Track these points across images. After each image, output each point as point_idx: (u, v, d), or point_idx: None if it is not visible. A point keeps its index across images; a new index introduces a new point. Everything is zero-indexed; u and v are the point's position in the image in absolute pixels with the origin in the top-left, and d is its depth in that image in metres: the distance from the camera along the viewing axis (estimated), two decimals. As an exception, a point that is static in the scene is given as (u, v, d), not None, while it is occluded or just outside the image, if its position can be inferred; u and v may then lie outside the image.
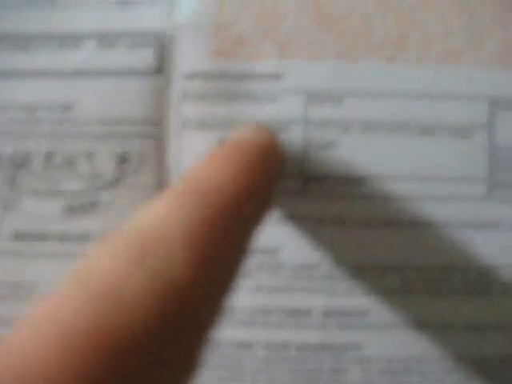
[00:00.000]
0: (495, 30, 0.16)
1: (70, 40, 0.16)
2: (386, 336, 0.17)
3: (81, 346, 0.08)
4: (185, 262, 0.10)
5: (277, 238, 0.16)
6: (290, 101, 0.16)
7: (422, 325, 0.17)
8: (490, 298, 0.17)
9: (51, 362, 0.08)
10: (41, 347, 0.08)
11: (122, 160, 0.16)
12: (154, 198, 0.11)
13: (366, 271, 0.16)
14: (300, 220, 0.16)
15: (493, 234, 0.16)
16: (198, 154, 0.16)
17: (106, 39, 0.16)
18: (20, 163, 0.16)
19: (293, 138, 0.16)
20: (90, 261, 0.10)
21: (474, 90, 0.16)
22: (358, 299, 0.17)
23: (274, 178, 0.15)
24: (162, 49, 0.16)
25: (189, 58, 0.16)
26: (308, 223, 0.16)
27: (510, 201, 0.16)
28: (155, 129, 0.16)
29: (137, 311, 0.09)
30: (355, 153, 0.16)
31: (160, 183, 0.16)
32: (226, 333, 0.17)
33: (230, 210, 0.11)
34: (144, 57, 0.16)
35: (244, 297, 0.16)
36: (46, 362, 0.08)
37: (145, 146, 0.16)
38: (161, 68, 0.16)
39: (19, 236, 0.16)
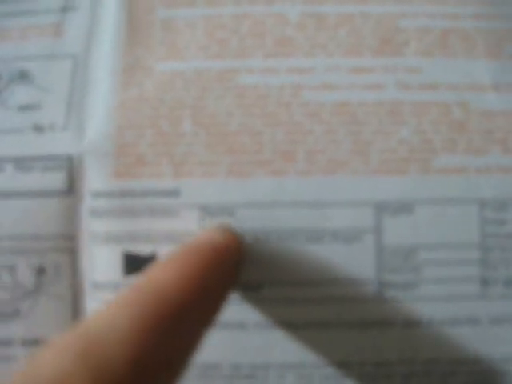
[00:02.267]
0: (378, 139, 0.18)
1: (-8, 165, 0.18)
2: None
3: None
4: (126, 359, 0.10)
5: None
6: (187, 215, 0.17)
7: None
8: None
9: None
10: None
11: (40, 272, 0.18)
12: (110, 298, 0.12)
13: (262, 371, 0.17)
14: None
15: (385, 331, 0.17)
16: (107, 266, 0.18)
17: (23, 163, 0.18)
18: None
19: (191, 248, 0.17)
20: (35, 361, 0.10)
21: (360, 196, 0.17)
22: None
23: (230, 277, 0.15)
24: (72, 171, 0.18)
25: (95, 178, 0.18)
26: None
27: (398, 300, 0.17)
28: (69, 243, 0.18)
29: None
30: (250, 260, 0.17)
31: (75, 291, 0.18)
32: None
33: (174, 310, 0.12)
34: (57, 179, 0.18)
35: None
36: None
37: (60, 258, 0.18)
38: (71, 188, 0.18)
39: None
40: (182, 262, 0.13)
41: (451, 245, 0.17)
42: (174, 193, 0.17)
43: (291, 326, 0.17)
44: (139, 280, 0.13)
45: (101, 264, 0.18)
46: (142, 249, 0.17)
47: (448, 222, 0.17)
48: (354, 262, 0.17)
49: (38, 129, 0.18)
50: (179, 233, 0.17)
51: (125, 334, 0.11)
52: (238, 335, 0.17)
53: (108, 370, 0.10)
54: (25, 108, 0.18)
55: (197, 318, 0.13)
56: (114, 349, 0.11)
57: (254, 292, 0.17)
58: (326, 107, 0.18)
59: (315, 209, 0.17)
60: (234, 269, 0.16)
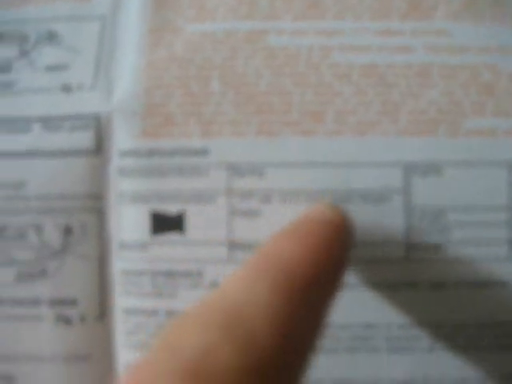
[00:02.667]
0: (407, 101, 0.17)
1: (20, 123, 0.18)
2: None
3: None
4: (267, 336, 0.10)
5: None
6: (216, 174, 0.17)
7: (347, 382, 0.17)
8: (413, 354, 0.17)
9: None
10: None
11: (67, 231, 0.18)
12: (235, 271, 0.12)
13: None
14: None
15: (412, 293, 0.17)
16: (134, 225, 0.18)
17: (51, 122, 0.18)
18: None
19: (219, 207, 0.17)
20: (176, 332, 0.10)
21: (389, 157, 0.17)
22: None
23: (346, 255, 0.15)
24: (101, 130, 0.18)
25: (123, 137, 0.18)
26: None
27: (426, 261, 0.17)
28: (96, 203, 0.18)
29: None
30: (278, 221, 0.17)
31: (102, 251, 0.18)
32: None
33: (308, 287, 0.12)
34: (85, 138, 0.18)
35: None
36: None
37: (87, 218, 0.18)
38: (100, 148, 0.18)
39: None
40: (306, 233, 0.13)
41: (479, 207, 0.17)
42: (202, 152, 0.17)
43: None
44: (264, 250, 0.13)
45: (128, 224, 0.18)
46: (170, 208, 0.17)
47: (476, 184, 0.17)
48: (383, 223, 0.17)
49: (66, 89, 0.18)
50: (207, 192, 0.17)
51: (267, 308, 0.11)
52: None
53: (255, 343, 0.10)
54: (53, 68, 0.18)
55: (325, 291, 0.13)
56: (259, 323, 0.10)
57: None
58: (355, 69, 0.18)
59: (344, 169, 0.17)
60: (348, 245, 0.15)
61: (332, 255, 0.13)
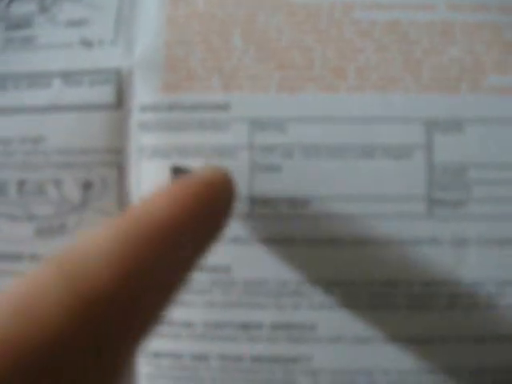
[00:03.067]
0: (429, 58, 0.17)
1: (40, 79, 0.18)
2: (334, 349, 0.17)
3: None
4: (108, 276, 0.10)
5: (229, 256, 0.18)
6: (237, 129, 0.17)
7: (367, 338, 0.17)
8: (433, 312, 0.17)
9: None
10: None
11: (87, 186, 0.18)
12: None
13: (312, 287, 0.17)
14: (250, 240, 0.17)
15: (433, 250, 0.17)
16: (154, 180, 0.18)
17: (71, 77, 0.18)
18: (-3, 191, 0.18)
19: (240, 162, 0.17)
20: (17, 280, 0.10)
21: (411, 113, 0.17)
22: (305, 313, 0.17)
23: (223, 213, 0.15)
24: (121, 84, 0.18)
25: (143, 92, 0.18)
26: (257, 243, 0.17)
27: (448, 218, 0.17)
28: (116, 157, 0.18)
29: (51, 324, 0.09)
30: (299, 175, 0.17)
31: (122, 207, 0.18)
32: (183, 346, 0.18)
33: (165, 236, 0.12)
34: (105, 92, 0.18)
35: (199, 312, 0.18)
36: None
37: (107, 173, 0.18)
38: (120, 102, 0.18)
39: (-4, 257, 0.18)
40: (175, 192, 0.13)
41: (501, 164, 0.17)
42: (223, 106, 0.17)
43: (338, 243, 0.17)
44: (131, 207, 0.13)
45: (148, 178, 0.18)
46: (191, 163, 0.17)
47: (498, 141, 0.17)
48: (405, 178, 0.17)
49: (87, 43, 0.18)
50: (229, 147, 0.17)
51: (109, 253, 0.11)
52: (285, 251, 0.17)
53: (86, 282, 0.10)
54: (73, 23, 0.18)
55: (187, 247, 0.13)
56: (96, 265, 0.10)
57: (301, 208, 0.17)
58: (377, 26, 0.18)
59: (366, 125, 0.17)
60: (225, 206, 0.15)
61: (200, 212, 0.13)
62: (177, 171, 0.17)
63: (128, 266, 0.11)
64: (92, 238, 0.11)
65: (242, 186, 0.17)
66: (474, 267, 0.17)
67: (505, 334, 0.17)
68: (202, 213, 0.13)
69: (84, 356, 0.10)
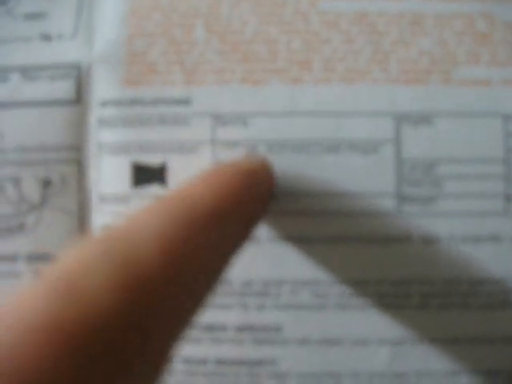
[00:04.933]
0: (398, 50, 0.17)
1: (-2, 74, 0.17)
2: (301, 351, 0.17)
3: (38, 341, 0.08)
4: (154, 256, 0.10)
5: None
6: (199, 123, 0.17)
7: (335, 340, 0.17)
8: (404, 312, 0.17)
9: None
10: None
11: (46, 184, 0.17)
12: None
13: (275, 287, 0.17)
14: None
15: (404, 248, 0.17)
16: (115, 177, 0.17)
17: (30, 72, 0.17)
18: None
19: (202, 158, 0.17)
20: (59, 261, 0.10)
21: (380, 106, 0.17)
22: (271, 314, 0.17)
23: (262, 200, 0.15)
24: (80, 79, 0.17)
25: (104, 86, 0.17)
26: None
27: (418, 215, 0.17)
28: (76, 154, 0.17)
29: (98, 305, 0.09)
30: (263, 171, 0.17)
31: (81, 204, 0.17)
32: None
33: (206, 221, 0.12)
34: (65, 87, 0.17)
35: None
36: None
37: (67, 170, 0.17)
38: (79, 97, 0.17)
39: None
40: (216, 179, 0.13)
41: (473, 159, 0.17)
42: (185, 101, 0.17)
43: (305, 241, 0.17)
44: (169, 193, 0.12)
45: (108, 176, 0.17)
46: (152, 159, 0.17)
47: (470, 135, 0.17)
48: (372, 174, 0.17)
49: (46, 37, 0.18)
50: (191, 142, 0.17)
51: (160, 237, 0.10)
52: (249, 250, 0.17)
53: (137, 263, 0.10)
54: (32, 16, 0.18)
55: (229, 233, 0.13)
56: (142, 245, 0.10)
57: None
58: (345, 17, 0.17)
59: (332, 118, 0.17)
60: (265, 194, 0.15)
61: (239, 197, 0.13)
62: (138, 168, 0.17)
63: (179, 250, 0.11)
64: (141, 218, 0.11)
65: (204, 183, 0.17)
66: (446, 265, 0.17)
67: (478, 336, 0.17)
68: (245, 201, 0.13)
69: (132, 340, 0.09)
